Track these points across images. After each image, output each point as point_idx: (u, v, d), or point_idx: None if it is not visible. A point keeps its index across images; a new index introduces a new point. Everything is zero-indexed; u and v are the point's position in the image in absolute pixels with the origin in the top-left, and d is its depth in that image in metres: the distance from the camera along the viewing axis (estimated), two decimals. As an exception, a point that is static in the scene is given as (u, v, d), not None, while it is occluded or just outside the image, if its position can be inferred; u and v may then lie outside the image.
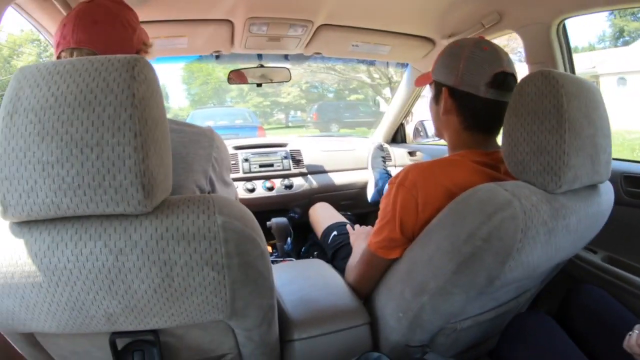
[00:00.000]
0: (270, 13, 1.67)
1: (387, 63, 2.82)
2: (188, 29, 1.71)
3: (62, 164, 0.62)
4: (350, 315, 1.12)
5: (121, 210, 0.65)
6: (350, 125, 16.94)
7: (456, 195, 0.96)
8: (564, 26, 1.55)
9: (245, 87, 19.49)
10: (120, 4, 1.02)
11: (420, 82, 1.32)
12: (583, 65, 12.78)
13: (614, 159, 1.05)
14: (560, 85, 0.88)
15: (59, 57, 0.95)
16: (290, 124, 20.81)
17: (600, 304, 1.25)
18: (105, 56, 0.66)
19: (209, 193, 1.12)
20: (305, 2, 1.60)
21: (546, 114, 0.89)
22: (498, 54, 1.08)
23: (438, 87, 1.16)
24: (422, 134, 2.79)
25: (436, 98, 1.19)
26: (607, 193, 1.08)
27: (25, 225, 0.69)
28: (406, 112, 2.79)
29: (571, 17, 1.48)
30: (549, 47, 1.53)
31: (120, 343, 0.83)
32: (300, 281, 1.26)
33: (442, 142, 2.61)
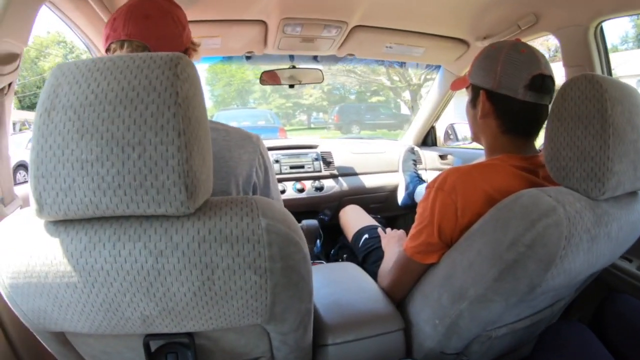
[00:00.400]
0: (305, 14, 1.66)
1: (407, 64, 2.80)
2: (222, 29, 1.72)
3: (102, 163, 0.60)
4: (384, 320, 1.10)
5: (163, 211, 0.64)
6: (371, 127, 17.11)
7: (496, 200, 0.95)
8: (602, 28, 1.51)
9: (267, 88, 19.83)
10: (171, 1, 1.03)
11: (456, 85, 1.30)
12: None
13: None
14: (604, 90, 0.86)
15: (107, 50, 0.96)
16: (312, 125, 21.05)
17: (637, 314, 1.22)
18: (147, 53, 0.65)
19: None
20: (341, 3, 1.59)
21: (590, 119, 0.87)
22: (536, 56, 1.06)
23: (475, 91, 1.15)
24: (452, 137, 2.78)
25: (473, 101, 1.17)
26: None
27: (61, 224, 0.68)
28: (438, 115, 2.76)
29: (609, 19, 1.44)
30: (587, 49, 1.50)
31: (154, 345, 0.82)
32: (333, 285, 1.25)
33: (473, 145, 2.63)
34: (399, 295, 1.18)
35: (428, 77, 15.10)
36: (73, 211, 0.63)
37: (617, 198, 0.96)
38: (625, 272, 1.42)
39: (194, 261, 0.67)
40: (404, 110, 18.13)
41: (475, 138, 1.24)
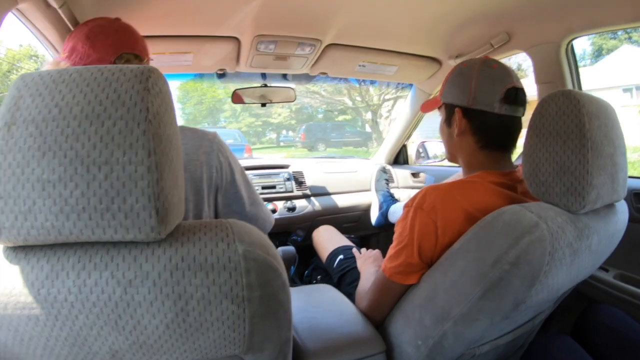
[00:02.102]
0: (279, 31, 1.65)
1: (367, 84, 2.84)
2: (194, 46, 1.69)
3: (65, 184, 0.55)
4: (366, 343, 1.07)
5: (131, 237, 0.59)
6: (337, 145, 17.60)
7: (476, 217, 0.95)
8: (572, 46, 1.57)
9: (238, 107, 20.07)
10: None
11: (427, 107, 1.31)
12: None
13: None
14: (582, 105, 0.88)
15: None
16: (281, 144, 21.41)
17: (618, 323, 1.25)
18: (115, 65, 0.60)
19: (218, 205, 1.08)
20: (316, 21, 1.59)
21: (568, 134, 0.88)
22: (507, 70, 1.10)
23: (449, 109, 1.17)
24: (423, 155, 2.82)
25: (448, 121, 1.18)
26: (623, 211, 1.08)
27: (21, 250, 0.63)
28: (409, 133, 2.79)
29: (580, 36, 1.50)
30: (559, 66, 1.55)
31: None
32: (311, 308, 1.21)
33: (445, 162, 2.65)
34: (379, 317, 1.15)
35: (386, 97, 15.50)
36: (34, 236, 0.58)
37: (596, 211, 0.98)
38: (603, 282, 1.46)
39: (166, 291, 0.61)
40: (368, 128, 18.53)
41: (451, 157, 1.25)
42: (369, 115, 17.60)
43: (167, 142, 0.60)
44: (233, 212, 1.15)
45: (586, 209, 0.90)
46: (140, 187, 0.56)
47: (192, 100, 21.27)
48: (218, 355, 0.71)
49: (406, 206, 1.07)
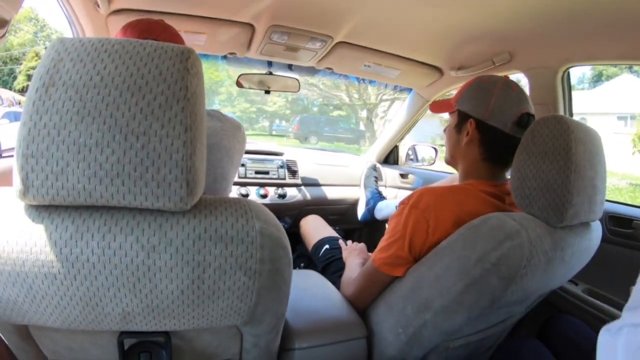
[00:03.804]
0: (294, 23, 1.69)
1: (366, 82, 2.84)
2: (210, 27, 1.71)
3: (102, 149, 0.57)
4: (349, 327, 1.13)
5: (160, 206, 0.62)
6: (329, 140, 17.37)
7: (465, 221, 1.02)
8: (569, 73, 1.64)
9: (234, 92, 19.72)
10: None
11: (438, 108, 1.36)
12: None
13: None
14: (571, 131, 0.95)
15: None
16: (274, 132, 21.00)
17: (578, 334, 1.32)
18: (157, 42, 0.63)
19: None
20: (330, 18, 1.63)
21: (556, 155, 0.96)
22: (525, 96, 1.16)
23: (463, 117, 1.21)
24: (412, 158, 2.88)
25: (459, 127, 1.23)
26: (597, 230, 1.16)
27: (44, 209, 0.64)
28: (403, 135, 2.84)
29: (577, 65, 1.57)
30: (553, 90, 1.62)
31: (127, 343, 0.79)
32: (299, 291, 1.26)
33: (433, 167, 2.72)
34: (362, 305, 1.21)
35: (384, 97, 15.46)
36: (62, 196, 0.60)
37: (573, 227, 1.05)
38: (571, 294, 1.54)
39: (187, 259, 0.65)
40: (362, 126, 18.48)
41: (451, 161, 1.30)
42: (364, 114, 17.47)
43: (200, 120, 0.63)
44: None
45: (564, 224, 0.98)
46: (175, 159, 0.59)
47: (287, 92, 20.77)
48: (222, 324, 0.76)
49: (402, 203, 1.13)
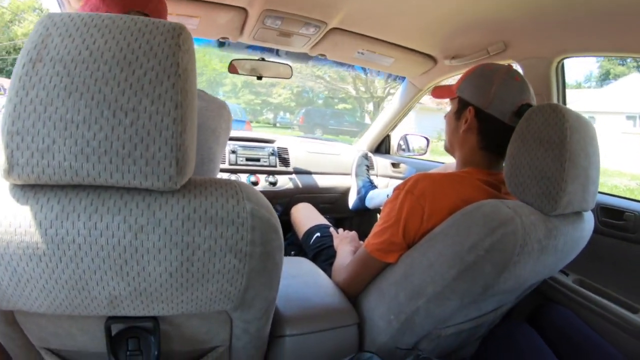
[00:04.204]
0: (289, 8, 1.67)
1: (374, 74, 2.82)
2: (202, 11, 1.68)
3: (90, 126, 0.56)
4: (340, 314, 1.13)
5: (148, 185, 0.60)
6: (334, 133, 17.41)
7: (460, 209, 1.01)
8: (563, 64, 1.64)
9: (239, 83, 19.75)
10: None
11: (439, 94, 1.35)
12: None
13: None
14: (566, 119, 0.95)
15: None
16: (278, 125, 21.06)
17: (567, 323, 1.34)
18: (148, 18, 0.61)
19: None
20: (325, 3, 1.61)
21: (550, 143, 0.95)
22: (526, 86, 1.14)
23: (463, 105, 1.20)
24: (404, 147, 2.88)
25: (458, 114, 1.22)
26: (589, 221, 1.16)
27: (30, 189, 0.62)
28: (395, 124, 2.83)
29: (572, 57, 1.56)
30: (548, 80, 1.61)
31: (115, 329, 0.77)
32: (290, 278, 1.25)
33: (424, 157, 2.71)
34: (354, 291, 1.21)
35: (391, 91, 15.46)
36: (48, 175, 0.58)
37: (566, 215, 1.05)
38: (561, 284, 1.54)
39: (175, 240, 0.63)
40: (368, 120, 18.44)
41: (450, 148, 1.30)
42: (370, 107, 17.48)
43: (191, 97, 0.62)
44: None
45: (557, 212, 0.98)
46: (165, 136, 0.58)
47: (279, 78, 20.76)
48: (211, 309, 0.74)
49: (397, 189, 1.13)
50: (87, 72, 0.56)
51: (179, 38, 0.60)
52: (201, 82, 21.13)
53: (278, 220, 0.73)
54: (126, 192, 0.63)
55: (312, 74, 16.73)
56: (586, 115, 1.08)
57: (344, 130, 17.69)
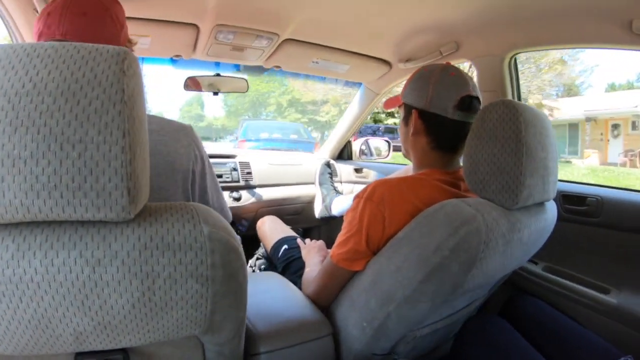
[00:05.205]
0: (240, 22, 1.66)
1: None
2: (153, 29, 1.65)
3: (37, 161, 0.54)
4: (314, 326, 1.12)
5: (102, 217, 0.58)
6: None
7: (421, 211, 1.02)
8: (515, 60, 1.69)
9: (284, 102, 19.33)
10: None
11: (389, 104, 1.37)
12: (625, 104, 13.05)
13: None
14: (520, 114, 0.97)
15: None
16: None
17: (540, 312, 1.37)
18: (92, 45, 0.59)
19: (192, 197, 1.10)
20: (275, 15, 1.61)
21: (506, 139, 0.97)
22: (464, 79, 1.16)
23: (408, 110, 1.23)
24: (366, 152, 2.92)
25: (406, 119, 1.24)
26: (552, 210, 1.19)
27: None
28: (355, 130, 2.86)
29: (522, 52, 1.63)
30: (501, 77, 1.67)
31: None
32: (260, 294, 1.24)
33: (387, 160, 2.74)
34: (325, 302, 1.20)
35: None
36: (0, 214, 0.56)
37: (528, 208, 1.08)
38: (532, 273, 1.59)
39: (134, 270, 0.62)
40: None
41: (405, 153, 1.31)
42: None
43: (140, 124, 0.60)
44: (205, 203, 1.16)
45: (518, 206, 1.00)
46: (114, 166, 0.56)
47: (235, 92, 20.00)
48: (179, 336, 0.72)
49: (357, 197, 1.13)
50: (31, 105, 0.54)
51: (123, 63, 0.58)
52: (244, 104, 20.57)
53: (237, 240, 0.72)
54: (81, 226, 0.62)
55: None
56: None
57: (396, 146, 17.43)
